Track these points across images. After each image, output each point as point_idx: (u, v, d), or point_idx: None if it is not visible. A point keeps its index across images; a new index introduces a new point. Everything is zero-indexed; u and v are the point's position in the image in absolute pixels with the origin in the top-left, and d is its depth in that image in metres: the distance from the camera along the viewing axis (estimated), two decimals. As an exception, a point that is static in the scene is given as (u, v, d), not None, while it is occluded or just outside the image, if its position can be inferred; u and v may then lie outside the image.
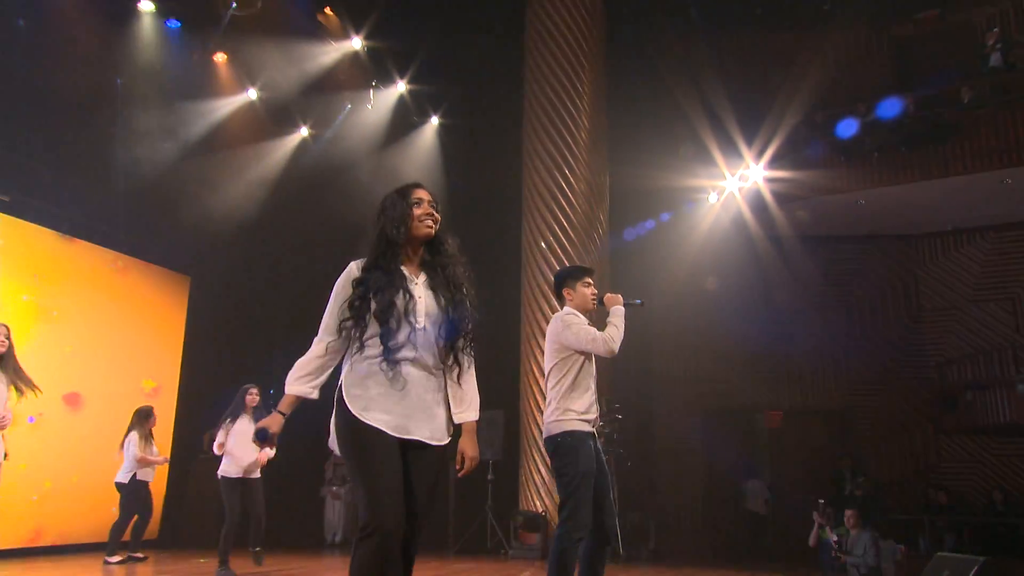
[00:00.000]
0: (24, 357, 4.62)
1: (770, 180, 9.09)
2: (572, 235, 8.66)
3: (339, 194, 8.71)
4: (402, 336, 2.07)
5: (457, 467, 2.20)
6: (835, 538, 7.29)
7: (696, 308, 10.18)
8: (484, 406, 2.35)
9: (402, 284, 2.11)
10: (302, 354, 2.08)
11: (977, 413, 9.07)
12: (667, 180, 9.69)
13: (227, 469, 5.29)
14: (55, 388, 7.00)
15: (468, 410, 2.25)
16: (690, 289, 10.02)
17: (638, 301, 3.68)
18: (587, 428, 3.31)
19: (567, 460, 3.22)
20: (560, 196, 8.78)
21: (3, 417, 4.15)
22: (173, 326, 8.92)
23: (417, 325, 2.09)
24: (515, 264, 8.90)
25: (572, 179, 8.83)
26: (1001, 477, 9.00)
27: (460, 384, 2.24)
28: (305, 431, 3.38)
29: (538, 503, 8.00)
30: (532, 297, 8.51)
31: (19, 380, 4.38)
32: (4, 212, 7.13)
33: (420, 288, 2.17)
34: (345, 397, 2.02)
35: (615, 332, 3.34)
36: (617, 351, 3.34)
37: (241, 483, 5.32)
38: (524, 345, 8.49)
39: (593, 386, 3.46)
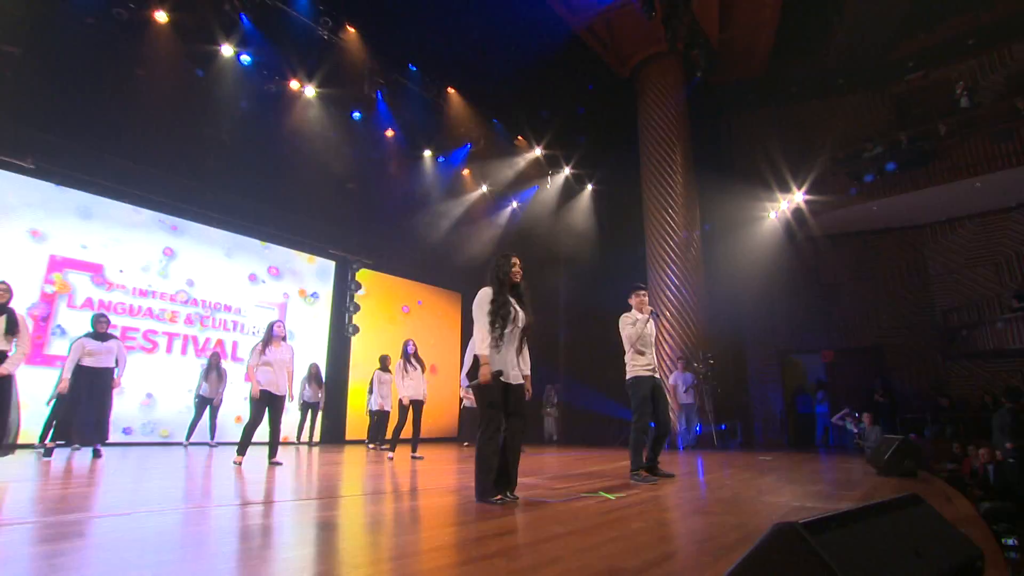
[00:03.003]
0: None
1: (808, 201, 12.41)
2: (676, 249, 11.94)
3: (533, 240, 13.38)
4: (507, 331, 3.47)
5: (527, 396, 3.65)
6: (856, 430, 9.64)
7: (768, 286, 13.11)
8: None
9: (511, 305, 3.51)
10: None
11: (971, 344, 11.55)
12: (741, 206, 12.98)
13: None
14: (427, 362, 12.05)
15: (527, 368, 3.65)
16: (763, 273, 12.98)
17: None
18: (646, 374, 4.93)
19: (633, 391, 4.96)
20: (667, 226, 12.08)
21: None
22: (453, 327, 13.91)
23: (518, 326, 3.54)
24: (642, 271, 12.31)
25: (673, 213, 12.11)
26: (990, 386, 11.22)
27: (525, 354, 3.67)
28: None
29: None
30: (655, 294, 11.74)
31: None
32: (374, 269, 12.51)
33: (515, 306, 3.55)
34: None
35: (628, 347, 4.99)
36: (627, 344, 5.00)
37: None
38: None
39: (645, 349, 4.99)
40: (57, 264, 8.69)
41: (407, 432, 7.44)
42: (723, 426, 11.62)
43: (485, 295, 3.54)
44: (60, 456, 6.47)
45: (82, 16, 8.32)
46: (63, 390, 6.33)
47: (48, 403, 7.16)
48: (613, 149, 13.48)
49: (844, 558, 0.79)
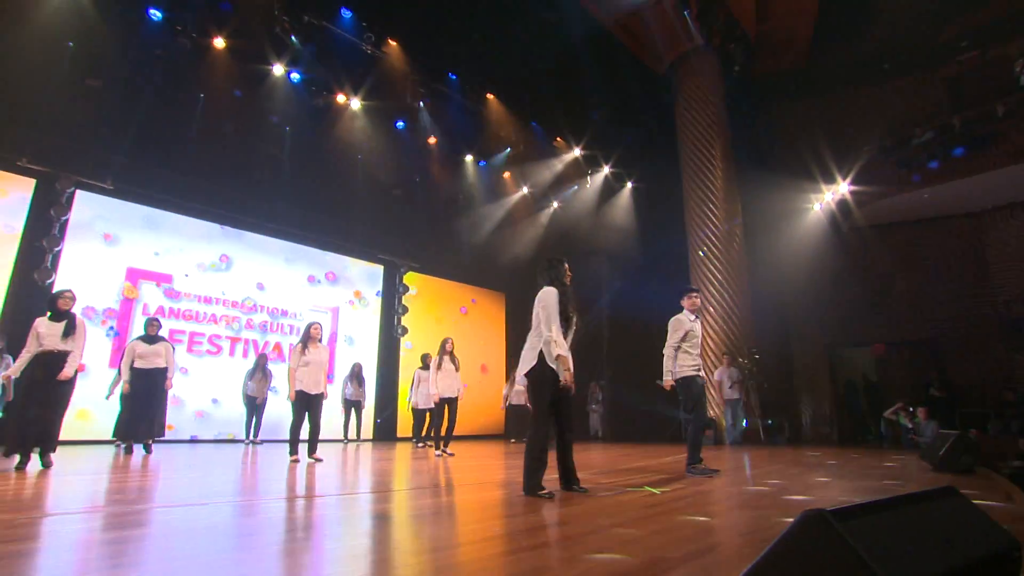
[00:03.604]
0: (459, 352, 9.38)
1: (853, 192, 11.94)
2: (719, 244, 11.75)
3: (575, 239, 13.39)
4: (569, 332, 3.68)
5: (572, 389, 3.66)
6: (910, 425, 9.24)
7: (813, 279, 12.65)
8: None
9: (568, 304, 3.68)
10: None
11: (1037, 334, 10.92)
12: (784, 199, 12.58)
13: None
14: (476, 362, 12.29)
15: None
16: (808, 266, 12.51)
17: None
18: (693, 373, 4.94)
19: (685, 391, 4.95)
20: (708, 221, 11.87)
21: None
22: (498, 327, 14.13)
23: (573, 327, 3.73)
24: (684, 267, 12.15)
25: (714, 208, 11.90)
26: (1058, 379, 10.44)
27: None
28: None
29: (711, 412, 10.71)
30: (698, 285, 11.41)
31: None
32: (420, 272, 12.81)
33: (570, 307, 3.71)
34: (546, 357, 3.50)
35: (671, 353, 4.99)
36: (665, 349, 5.01)
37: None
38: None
39: (692, 350, 4.99)
40: (133, 274, 9.28)
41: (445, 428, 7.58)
42: (770, 421, 11.34)
43: (552, 295, 3.59)
44: (122, 452, 6.91)
45: (152, 48, 8.87)
46: (127, 391, 6.74)
47: (107, 399, 7.65)
48: (652, 146, 13.33)
49: (872, 545, 0.83)
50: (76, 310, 5.28)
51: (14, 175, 8.32)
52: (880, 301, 12.57)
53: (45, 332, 4.94)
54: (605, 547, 2.11)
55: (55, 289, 8.30)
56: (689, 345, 5.01)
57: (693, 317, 5.11)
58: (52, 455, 4.92)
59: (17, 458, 4.75)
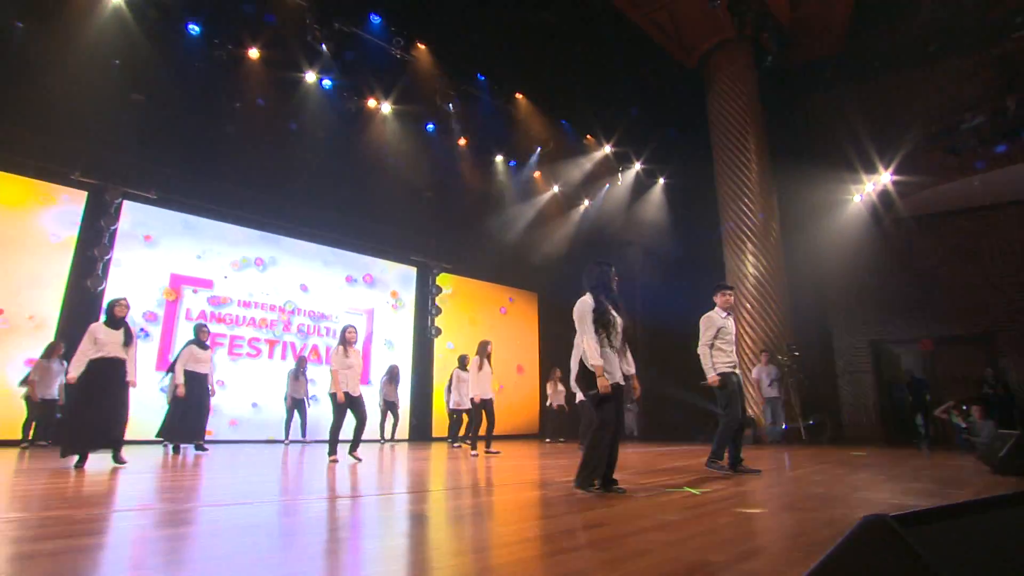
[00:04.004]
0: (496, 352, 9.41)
1: (897, 182, 11.46)
2: (755, 238, 11.39)
3: (607, 236, 13.27)
4: (612, 335, 3.60)
5: (635, 395, 3.77)
6: (964, 425, 8.70)
7: (854, 273, 12.29)
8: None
9: (610, 311, 3.63)
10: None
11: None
12: (822, 191, 12.19)
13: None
14: (513, 362, 12.35)
15: (631, 368, 3.74)
16: (848, 260, 12.15)
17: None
18: (728, 370, 4.87)
19: (720, 387, 4.86)
20: (744, 215, 11.53)
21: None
22: (532, 327, 14.13)
23: (618, 330, 3.65)
24: (720, 262, 11.76)
25: (749, 202, 11.55)
26: None
27: (628, 354, 3.76)
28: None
29: (750, 411, 10.35)
30: (734, 284, 11.04)
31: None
32: (453, 273, 12.88)
33: (613, 312, 3.67)
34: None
35: (706, 351, 4.89)
36: (699, 348, 4.91)
37: None
38: (733, 311, 11.48)
39: (726, 347, 4.89)
40: (176, 280, 9.60)
41: (484, 429, 7.60)
42: (811, 420, 11.00)
43: (586, 304, 3.61)
44: (170, 452, 7.14)
45: (192, 62, 9.17)
46: (181, 393, 6.93)
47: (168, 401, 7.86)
48: (684, 141, 13.08)
49: (942, 555, 0.77)
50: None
51: (67, 188, 8.71)
52: (927, 295, 12.04)
53: (105, 339, 5.13)
54: (646, 549, 2.06)
55: (105, 296, 8.68)
56: (723, 342, 4.95)
57: (725, 314, 5.03)
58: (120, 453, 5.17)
59: (75, 458, 4.95)
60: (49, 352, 7.86)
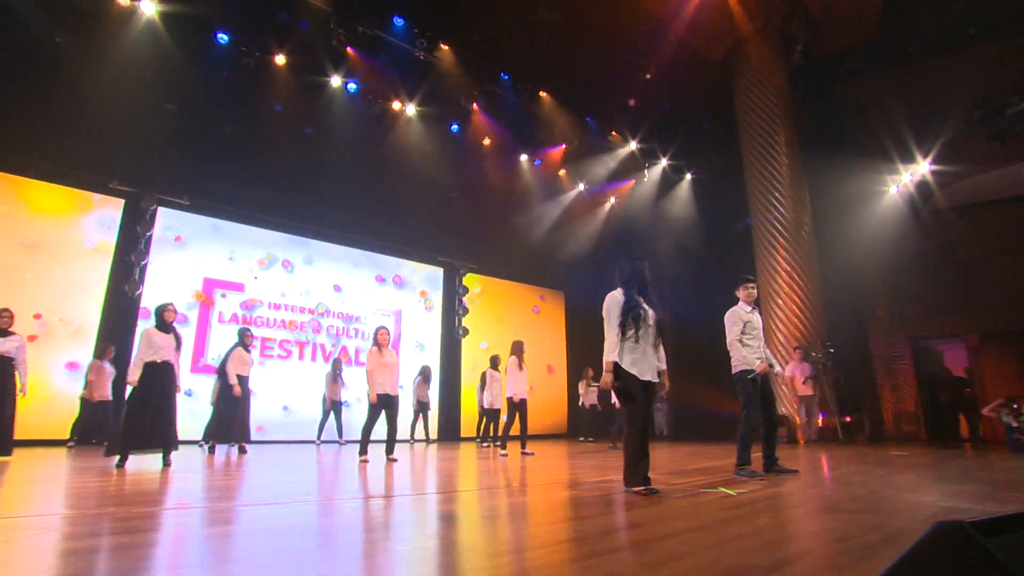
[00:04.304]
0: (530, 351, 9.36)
1: (935, 172, 11.03)
2: (786, 233, 11.13)
3: (633, 234, 13.12)
4: (642, 331, 3.49)
5: (662, 392, 3.67)
6: (1015, 423, 8.40)
7: (891, 267, 11.95)
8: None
9: (640, 306, 3.53)
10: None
11: None
12: (856, 183, 11.90)
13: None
14: (543, 362, 12.33)
15: (663, 364, 3.64)
16: (885, 253, 11.84)
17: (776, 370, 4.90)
18: (752, 366, 4.66)
19: (742, 385, 4.70)
20: (774, 209, 11.28)
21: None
22: (559, 326, 14.07)
23: (649, 324, 3.55)
24: (750, 258, 11.61)
25: (780, 196, 11.30)
26: None
27: (660, 350, 3.63)
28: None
29: (783, 409, 10.25)
30: (765, 280, 11.14)
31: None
32: (479, 273, 12.90)
33: (644, 306, 3.56)
34: (621, 363, 3.46)
35: (737, 346, 4.72)
36: (728, 346, 4.74)
37: None
38: (762, 302, 10.90)
39: (753, 343, 4.73)
40: (209, 284, 9.81)
41: (516, 429, 7.57)
42: (848, 419, 10.68)
43: (614, 299, 3.57)
44: (217, 452, 7.29)
45: (221, 70, 9.37)
46: (237, 393, 7.12)
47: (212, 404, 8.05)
48: (711, 135, 12.85)
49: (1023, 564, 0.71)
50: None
51: (105, 195, 9.00)
52: (970, 288, 11.58)
53: (159, 343, 5.34)
54: (684, 552, 2.00)
55: (142, 300, 8.93)
56: (749, 338, 4.79)
57: (749, 309, 4.87)
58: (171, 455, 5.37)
59: (116, 458, 5.13)
60: (101, 353, 8.15)
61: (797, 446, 9.15)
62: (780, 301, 10.99)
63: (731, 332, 4.81)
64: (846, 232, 12.15)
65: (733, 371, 4.85)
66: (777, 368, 5.03)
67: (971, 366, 11.56)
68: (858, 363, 12.02)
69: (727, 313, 4.87)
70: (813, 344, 10.52)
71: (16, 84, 8.08)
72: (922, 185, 11.29)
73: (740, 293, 4.91)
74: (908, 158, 11.26)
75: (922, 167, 11.17)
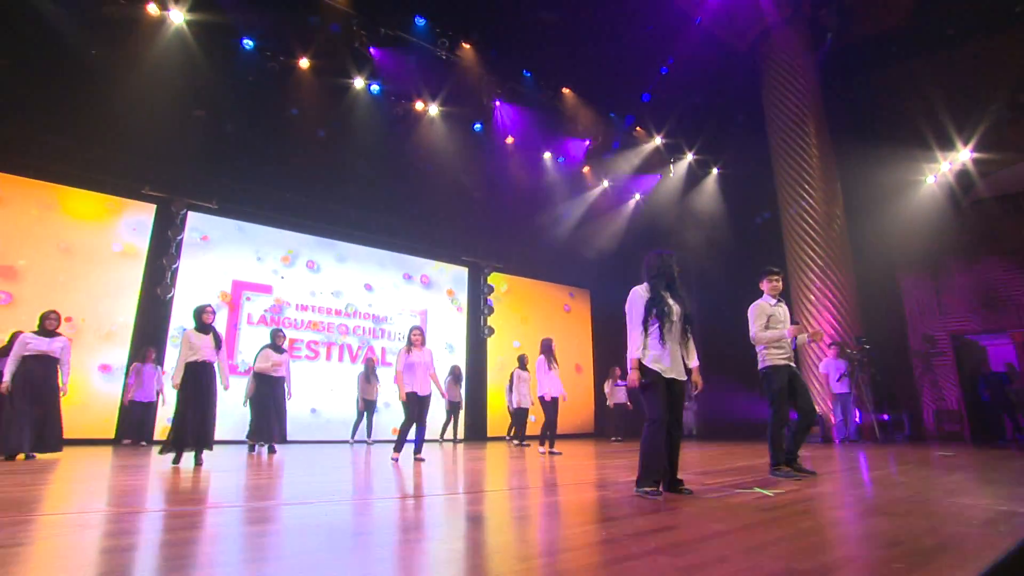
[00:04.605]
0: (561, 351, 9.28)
1: (977, 160, 10.56)
2: (817, 227, 10.79)
3: (659, 230, 12.93)
4: (667, 327, 3.37)
5: (694, 390, 3.58)
6: None
7: (930, 260, 11.45)
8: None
9: (667, 301, 3.42)
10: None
11: None
12: (891, 174, 11.47)
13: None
14: (571, 360, 12.28)
15: (693, 360, 3.52)
16: (922, 246, 11.30)
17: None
18: (781, 362, 4.52)
19: (768, 381, 4.56)
20: (804, 203, 10.92)
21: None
22: (585, 324, 13.96)
23: (675, 319, 3.43)
24: (780, 253, 11.30)
25: (810, 189, 10.97)
26: None
27: (691, 346, 3.53)
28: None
29: (817, 407, 9.70)
30: (796, 275, 10.90)
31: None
32: (503, 272, 12.86)
33: (670, 301, 3.44)
34: (644, 359, 3.37)
35: (761, 336, 4.54)
36: (753, 340, 4.59)
37: None
38: (792, 297, 10.77)
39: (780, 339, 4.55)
40: (238, 286, 9.97)
41: (542, 428, 7.52)
42: (886, 417, 10.33)
43: (637, 295, 3.49)
44: (245, 452, 7.38)
45: (247, 76, 9.52)
46: (252, 395, 7.25)
47: (244, 405, 8.15)
48: (737, 128, 12.57)
49: None
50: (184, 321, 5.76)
51: (137, 201, 9.22)
52: (1015, 281, 11.07)
53: (199, 344, 5.49)
54: (724, 556, 1.92)
55: (174, 303, 9.13)
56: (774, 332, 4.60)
57: (774, 301, 4.68)
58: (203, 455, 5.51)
59: (172, 455, 5.38)
60: (143, 356, 8.36)
61: (831, 446, 8.88)
62: (812, 297, 10.69)
63: (754, 326, 4.62)
64: (881, 225, 11.74)
65: (759, 366, 4.67)
66: (806, 336, 4.85)
67: (1019, 363, 11.05)
68: (895, 360, 11.61)
69: (751, 306, 4.69)
70: (847, 340, 10.21)
71: (54, 97, 8.36)
72: (962, 174, 10.83)
73: (764, 285, 4.75)
74: (947, 146, 10.83)
75: (963, 155, 10.72)
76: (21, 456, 5.87)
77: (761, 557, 1.90)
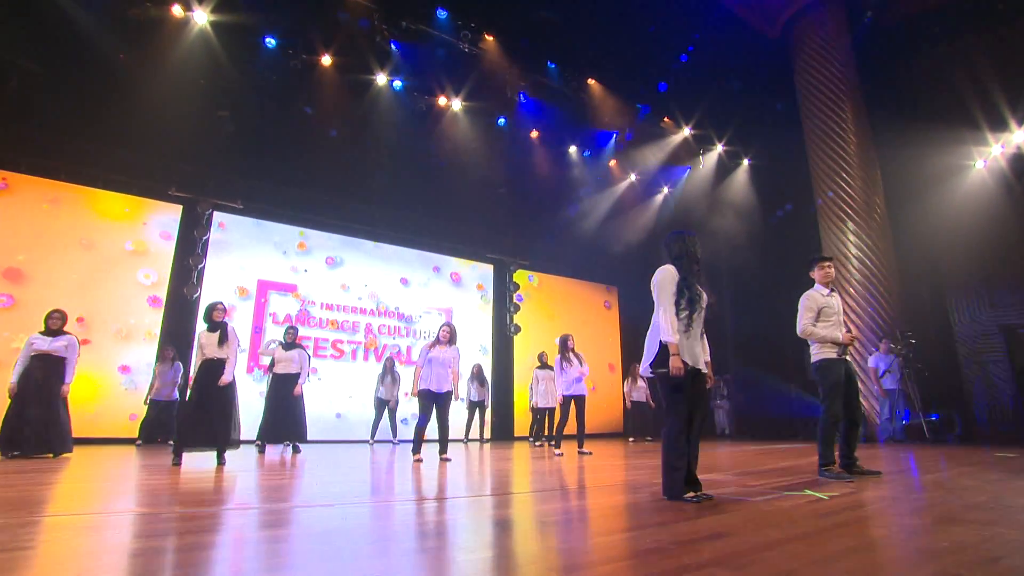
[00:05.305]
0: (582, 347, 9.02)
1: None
2: (856, 217, 10.31)
3: (689, 223, 12.51)
4: (696, 313, 3.12)
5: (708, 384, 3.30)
6: None
7: (978, 250, 10.78)
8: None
9: (696, 286, 3.15)
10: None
11: None
12: (935, 159, 10.89)
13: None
14: (603, 359, 12.07)
15: (707, 353, 3.27)
16: (971, 234, 10.69)
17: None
18: (836, 356, 4.24)
19: (822, 376, 4.29)
20: (842, 192, 10.46)
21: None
22: (612, 322, 13.70)
23: (702, 308, 3.18)
24: (816, 245, 10.75)
25: (848, 177, 10.47)
26: None
27: (704, 339, 3.26)
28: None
29: (864, 405, 9.51)
30: (834, 266, 10.20)
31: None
32: (529, 269, 12.64)
33: (700, 288, 3.18)
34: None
35: (810, 330, 4.26)
36: (801, 334, 4.30)
37: None
38: None
39: (832, 331, 4.25)
40: (264, 286, 9.97)
41: (570, 428, 7.26)
42: (935, 415, 9.78)
43: (669, 275, 3.14)
44: (270, 452, 7.31)
45: (270, 76, 9.51)
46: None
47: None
48: (769, 117, 12.11)
49: None
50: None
51: (163, 202, 9.28)
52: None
53: (205, 342, 5.43)
54: (790, 568, 1.67)
55: (201, 302, 9.15)
56: (827, 324, 4.29)
57: (827, 291, 4.38)
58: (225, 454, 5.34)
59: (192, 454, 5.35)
60: (162, 356, 8.40)
61: (876, 445, 8.44)
62: (852, 290, 10.20)
63: (804, 317, 4.31)
64: (925, 213, 11.15)
65: (812, 359, 4.37)
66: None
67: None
68: (943, 356, 11.03)
69: (803, 296, 4.38)
70: (891, 334, 9.71)
71: (83, 102, 8.48)
72: (1016, 158, 10.19)
73: (816, 274, 4.45)
74: (1000, 127, 10.21)
75: (1017, 136, 10.09)
76: (50, 455, 5.88)
77: (834, 571, 1.65)
